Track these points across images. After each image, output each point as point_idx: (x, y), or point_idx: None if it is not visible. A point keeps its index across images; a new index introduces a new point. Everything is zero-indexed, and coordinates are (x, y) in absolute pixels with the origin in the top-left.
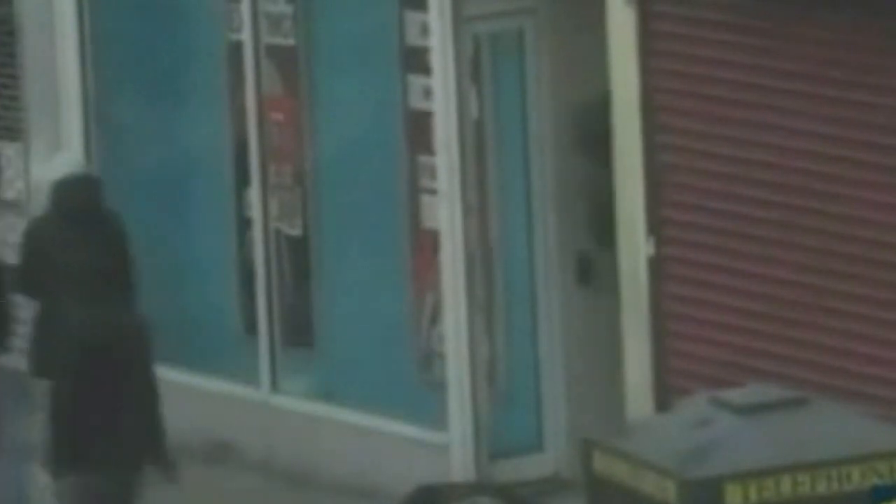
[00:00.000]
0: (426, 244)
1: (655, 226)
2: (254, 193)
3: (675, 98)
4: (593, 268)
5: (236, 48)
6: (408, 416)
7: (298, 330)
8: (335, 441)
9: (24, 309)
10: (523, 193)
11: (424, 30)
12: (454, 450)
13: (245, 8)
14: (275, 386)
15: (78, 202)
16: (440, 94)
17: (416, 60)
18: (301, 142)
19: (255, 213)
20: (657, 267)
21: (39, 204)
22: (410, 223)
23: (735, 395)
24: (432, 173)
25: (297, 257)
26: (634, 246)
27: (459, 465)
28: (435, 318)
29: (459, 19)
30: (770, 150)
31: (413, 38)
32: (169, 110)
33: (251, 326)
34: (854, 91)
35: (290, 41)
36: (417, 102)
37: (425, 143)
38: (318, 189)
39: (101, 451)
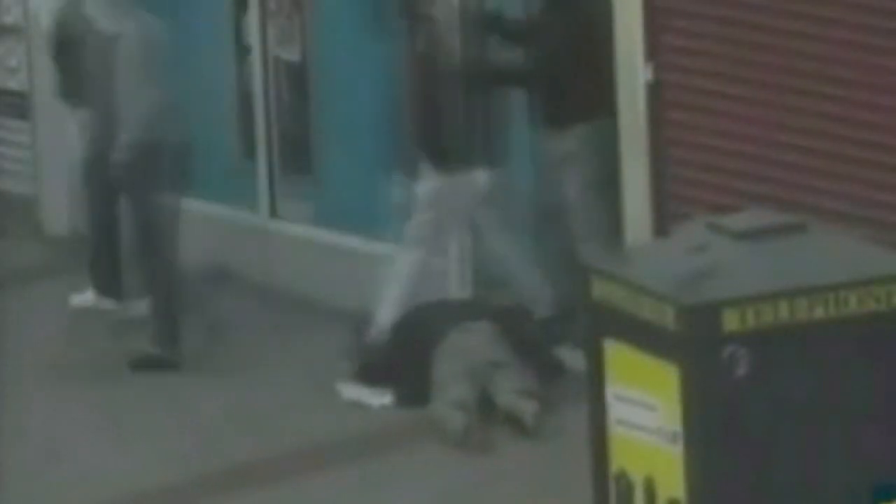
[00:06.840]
0: None
1: (654, 50)
2: (252, 19)
3: None
4: None
5: None
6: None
7: (297, 156)
8: (332, 266)
9: None
10: None
11: None
12: (452, 275)
13: None
14: (273, 211)
15: None
16: None
17: None
18: None
19: (254, 39)
20: (656, 93)
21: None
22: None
23: (733, 221)
24: None
25: (296, 83)
26: (633, 71)
27: (457, 287)
28: None
29: None
30: None
31: None
32: None
33: (250, 152)
34: None
35: None
36: None
37: None
38: (317, 14)
39: None
